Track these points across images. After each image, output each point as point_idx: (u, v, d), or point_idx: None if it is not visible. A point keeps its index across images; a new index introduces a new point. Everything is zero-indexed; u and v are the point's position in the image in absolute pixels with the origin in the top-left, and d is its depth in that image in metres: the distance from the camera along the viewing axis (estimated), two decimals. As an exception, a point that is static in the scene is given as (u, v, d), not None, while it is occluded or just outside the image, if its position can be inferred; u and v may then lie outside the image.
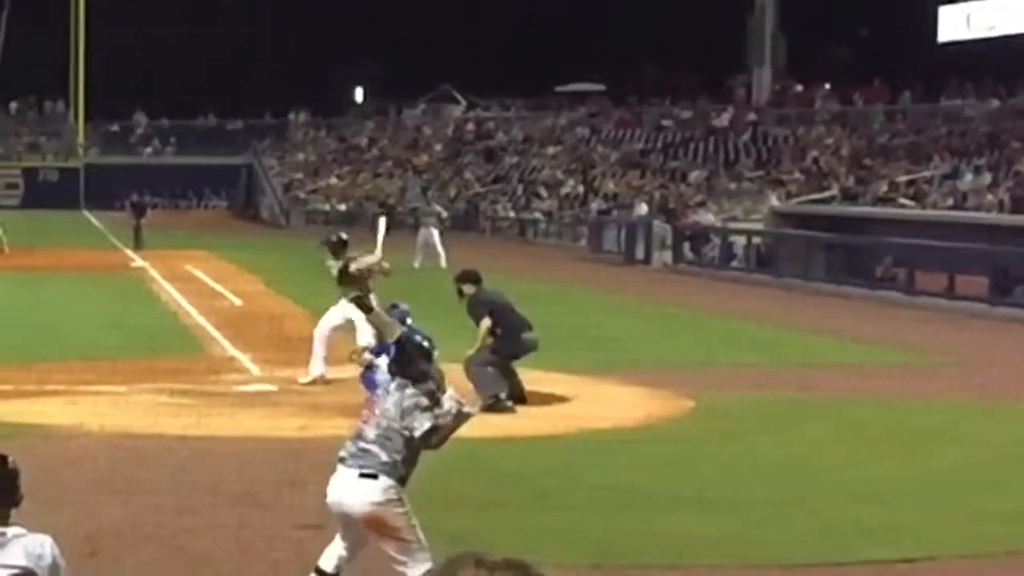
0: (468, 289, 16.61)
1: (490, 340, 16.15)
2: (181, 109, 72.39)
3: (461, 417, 8.61)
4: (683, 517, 11.09)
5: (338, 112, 76.25)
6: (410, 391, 8.44)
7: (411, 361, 8.55)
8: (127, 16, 68.35)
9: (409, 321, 16.03)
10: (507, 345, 16.23)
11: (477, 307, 16.42)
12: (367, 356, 15.47)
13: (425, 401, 8.42)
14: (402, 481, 8.34)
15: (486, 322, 16.16)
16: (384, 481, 8.24)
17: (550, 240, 50.60)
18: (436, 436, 8.43)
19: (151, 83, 70.18)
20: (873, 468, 13.38)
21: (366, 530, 8.39)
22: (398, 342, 8.75)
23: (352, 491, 8.28)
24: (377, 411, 8.38)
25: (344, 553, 8.62)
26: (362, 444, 8.30)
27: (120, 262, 38.18)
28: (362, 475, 8.25)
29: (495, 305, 16.54)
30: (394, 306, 16.45)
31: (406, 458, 8.33)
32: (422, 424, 8.30)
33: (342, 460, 8.41)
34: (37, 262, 36.30)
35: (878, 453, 14.11)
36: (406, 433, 8.27)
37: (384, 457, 8.26)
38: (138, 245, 42.30)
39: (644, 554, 10.21)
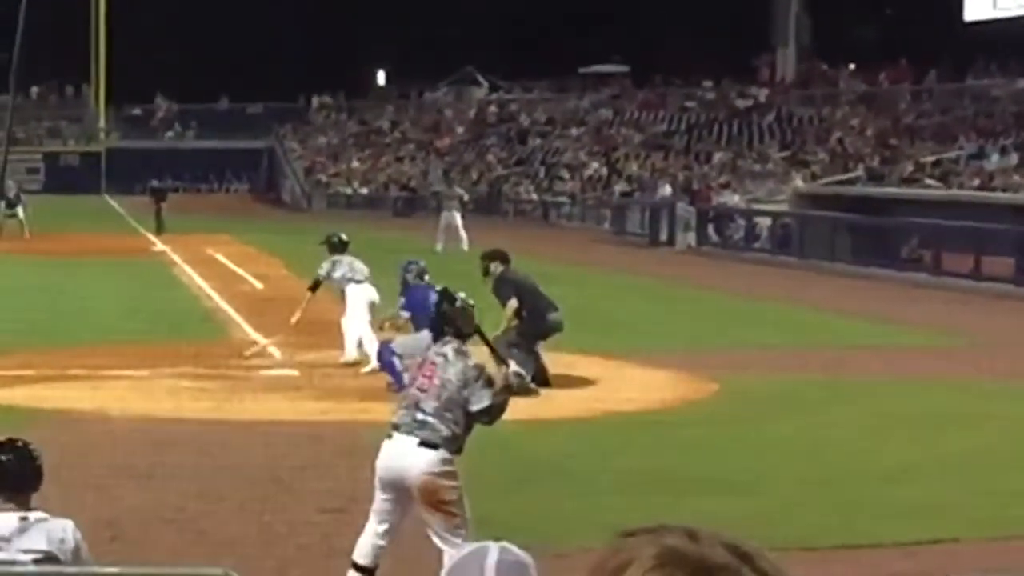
0: (495, 268, 16.45)
1: (516, 322, 16.05)
2: (202, 93, 72.42)
3: (516, 391, 8.58)
4: (708, 499, 11.00)
5: (360, 95, 76.17)
6: (472, 361, 8.35)
7: (458, 319, 8.53)
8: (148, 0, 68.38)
9: (427, 278, 16.19)
10: (533, 326, 16.12)
11: (503, 286, 16.27)
12: (403, 314, 15.55)
13: (489, 373, 8.34)
14: (459, 452, 8.24)
15: (512, 303, 16.02)
16: (443, 453, 8.13)
17: (573, 223, 50.46)
18: (489, 415, 8.34)
19: (172, 67, 70.21)
20: (898, 449, 13.28)
21: (415, 501, 8.18)
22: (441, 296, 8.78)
23: (410, 458, 8.10)
24: (437, 380, 8.20)
25: (379, 541, 8.36)
26: (420, 416, 8.13)
27: (141, 246, 38.21)
28: (422, 444, 8.11)
29: (521, 285, 16.41)
30: (411, 263, 16.61)
31: (464, 429, 8.23)
32: (480, 400, 8.20)
33: (396, 428, 8.22)
34: (58, 247, 36.33)
35: (903, 434, 14.00)
36: (465, 405, 8.17)
37: (444, 431, 8.13)
38: (159, 230, 42.33)
39: (669, 537, 10.11)
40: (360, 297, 17.65)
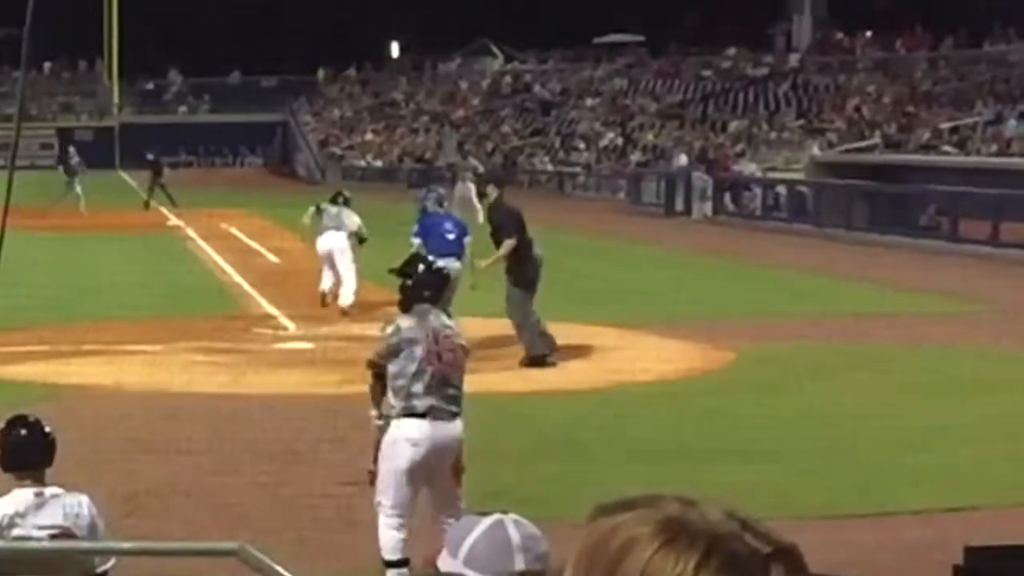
0: (492, 191, 16.10)
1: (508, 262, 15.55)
2: (215, 66, 72.26)
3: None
4: (726, 469, 10.95)
5: (374, 67, 75.97)
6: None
7: (435, 284, 8.52)
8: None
9: (446, 204, 16.12)
10: (523, 265, 15.59)
11: (503, 216, 15.80)
12: (413, 240, 15.54)
13: None
14: None
15: (511, 242, 15.50)
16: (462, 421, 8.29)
17: (589, 193, 50.31)
18: None
19: (185, 41, 70.06)
20: (918, 417, 13.21)
21: (439, 475, 8.14)
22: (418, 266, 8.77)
23: (452, 432, 8.15)
24: (461, 353, 8.27)
25: (404, 532, 8.12)
26: (452, 391, 8.16)
27: (156, 221, 38.20)
28: (454, 416, 8.19)
29: (517, 218, 15.98)
30: (431, 190, 16.66)
31: None
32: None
33: (430, 412, 8.06)
34: (73, 222, 36.33)
35: (922, 402, 13.93)
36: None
37: (462, 397, 8.28)
38: (147, 205, 42.09)
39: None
40: (322, 246, 19.59)
